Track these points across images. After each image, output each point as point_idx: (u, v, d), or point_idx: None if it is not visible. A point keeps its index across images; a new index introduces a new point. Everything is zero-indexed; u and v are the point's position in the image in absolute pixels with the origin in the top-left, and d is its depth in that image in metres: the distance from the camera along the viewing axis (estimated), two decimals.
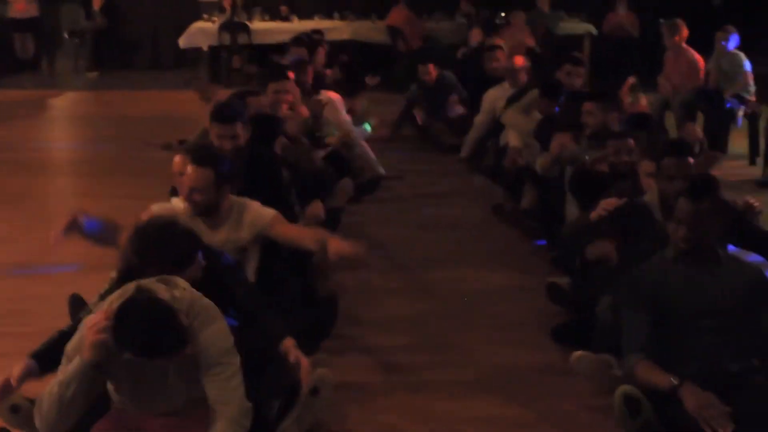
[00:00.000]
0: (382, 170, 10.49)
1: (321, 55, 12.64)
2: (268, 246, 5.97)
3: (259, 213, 5.84)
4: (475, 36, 14.30)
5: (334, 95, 10.39)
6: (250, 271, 5.81)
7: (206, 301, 4.41)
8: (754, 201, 6.22)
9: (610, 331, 5.53)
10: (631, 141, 7.09)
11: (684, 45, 12.10)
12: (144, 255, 4.63)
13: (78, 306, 5.61)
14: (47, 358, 4.73)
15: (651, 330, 5.13)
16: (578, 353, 5.63)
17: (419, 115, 12.89)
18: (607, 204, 6.22)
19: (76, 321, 4.83)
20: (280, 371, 4.98)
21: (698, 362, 5.05)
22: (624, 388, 4.92)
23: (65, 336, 4.60)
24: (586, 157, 7.57)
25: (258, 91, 8.48)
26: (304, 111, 9.25)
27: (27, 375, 4.71)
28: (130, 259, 4.74)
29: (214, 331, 4.36)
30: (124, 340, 4.07)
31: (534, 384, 5.91)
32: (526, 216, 8.57)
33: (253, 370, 4.51)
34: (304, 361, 4.84)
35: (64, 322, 5.11)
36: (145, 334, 4.04)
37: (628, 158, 7.07)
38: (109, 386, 4.45)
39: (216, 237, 5.62)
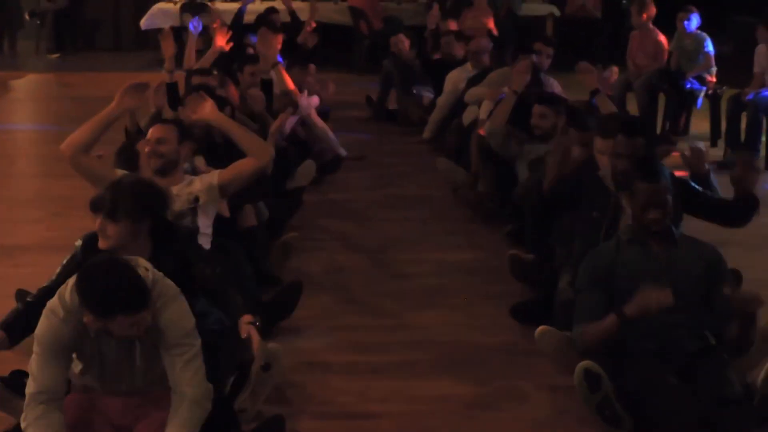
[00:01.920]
0: (343, 151, 10.47)
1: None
2: (222, 229, 6.19)
3: (207, 172, 6.17)
4: (433, 18, 14.22)
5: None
6: (206, 224, 6.02)
7: (168, 281, 4.41)
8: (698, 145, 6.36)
9: (571, 308, 5.56)
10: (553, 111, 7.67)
11: (651, 25, 12.10)
12: (116, 196, 4.73)
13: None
14: (16, 329, 4.79)
15: (604, 309, 5.17)
16: (542, 328, 5.63)
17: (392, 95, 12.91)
18: None
19: (41, 292, 4.86)
20: (233, 348, 5.01)
21: (656, 341, 5.09)
22: (585, 363, 4.96)
23: (32, 307, 4.69)
24: None
25: (210, 70, 8.50)
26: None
27: None
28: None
29: (176, 312, 4.36)
30: (85, 295, 4.10)
31: (493, 363, 5.93)
32: (482, 197, 8.58)
33: (207, 347, 4.50)
34: (256, 337, 4.87)
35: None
36: (106, 289, 4.08)
37: (547, 124, 7.75)
38: (73, 370, 4.44)
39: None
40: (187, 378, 4.33)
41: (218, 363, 4.75)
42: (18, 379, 4.91)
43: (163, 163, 5.91)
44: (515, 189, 7.57)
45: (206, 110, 6.04)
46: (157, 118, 7.48)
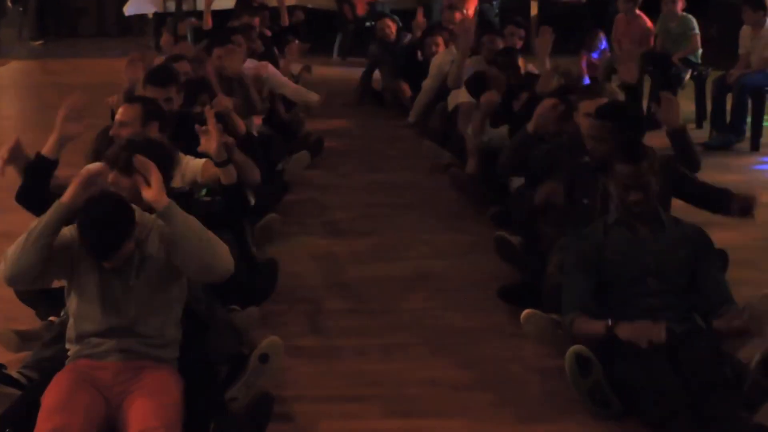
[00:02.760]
0: (314, 96, 10.43)
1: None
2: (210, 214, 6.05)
3: (189, 161, 6.00)
4: (419, 26, 14.06)
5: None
6: None
7: None
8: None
9: (558, 290, 5.56)
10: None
11: (637, 10, 12.08)
12: (130, 152, 4.79)
13: None
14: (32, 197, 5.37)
15: (591, 291, 5.18)
16: (528, 311, 5.65)
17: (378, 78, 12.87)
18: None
19: None
20: (223, 335, 5.01)
21: None
22: (576, 347, 4.97)
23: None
24: None
25: (183, 56, 8.45)
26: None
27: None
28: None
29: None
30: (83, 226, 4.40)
31: (481, 346, 5.92)
32: (470, 180, 8.57)
33: (196, 335, 4.50)
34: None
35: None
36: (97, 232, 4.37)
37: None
38: (72, 310, 4.58)
39: None
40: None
41: (208, 348, 4.75)
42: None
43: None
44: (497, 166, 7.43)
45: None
46: (128, 96, 7.04)
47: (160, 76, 6.87)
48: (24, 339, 5.51)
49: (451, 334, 6.11)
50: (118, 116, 5.87)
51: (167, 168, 4.94)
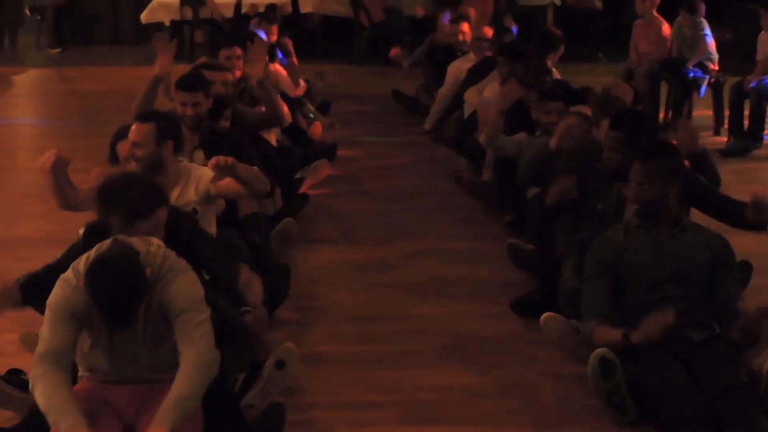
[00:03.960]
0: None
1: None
2: (223, 217, 6.17)
3: (202, 172, 5.91)
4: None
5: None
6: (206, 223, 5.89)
7: (179, 258, 4.49)
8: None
9: (575, 295, 5.55)
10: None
11: (655, 13, 12.07)
12: (108, 198, 4.70)
13: None
14: (30, 290, 4.91)
15: (611, 296, 5.18)
16: (548, 314, 5.65)
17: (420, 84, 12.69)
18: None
19: (63, 257, 4.95)
20: (241, 343, 5.01)
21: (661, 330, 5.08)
22: (601, 350, 4.96)
23: (51, 271, 4.80)
24: None
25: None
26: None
27: (9, 301, 4.95)
28: (96, 208, 4.80)
29: (186, 281, 4.43)
30: (94, 295, 4.20)
31: (497, 353, 5.92)
32: (486, 187, 8.57)
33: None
34: (257, 282, 5.04)
35: None
36: (112, 298, 4.17)
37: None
38: (82, 346, 4.48)
39: None
40: (195, 339, 4.34)
41: (224, 355, 4.76)
42: (15, 375, 4.92)
43: (143, 167, 5.58)
44: (517, 174, 7.45)
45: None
46: (141, 114, 7.09)
47: (188, 81, 6.84)
48: None
49: (466, 340, 6.10)
50: (130, 135, 5.70)
51: (152, 207, 4.70)
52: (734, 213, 5.98)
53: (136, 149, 5.64)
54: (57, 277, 4.44)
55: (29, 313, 5.76)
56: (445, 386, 5.49)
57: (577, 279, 5.63)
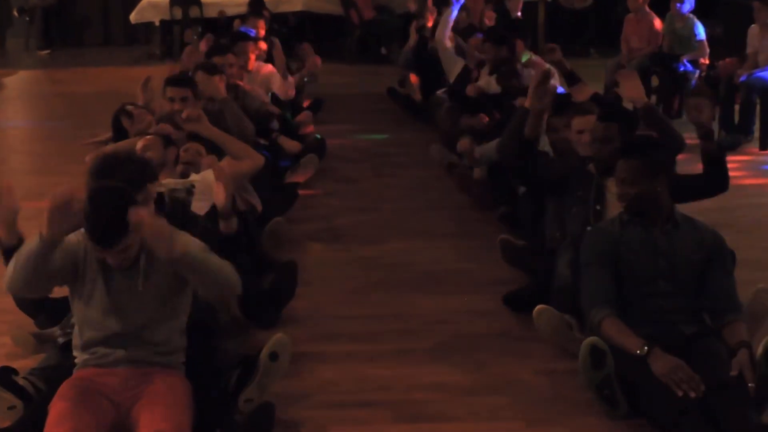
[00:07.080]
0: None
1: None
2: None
3: (213, 184, 6.08)
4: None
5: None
6: (199, 207, 6.18)
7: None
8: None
9: (569, 290, 5.54)
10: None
11: (647, 8, 12.07)
12: (100, 173, 4.91)
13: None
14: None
15: (614, 285, 5.15)
16: (541, 307, 5.63)
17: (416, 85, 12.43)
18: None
19: None
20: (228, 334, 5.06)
21: (653, 324, 5.08)
22: (592, 339, 4.94)
23: None
24: None
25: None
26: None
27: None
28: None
29: (188, 236, 4.51)
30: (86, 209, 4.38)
31: (489, 349, 5.91)
32: (477, 184, 8.57)
33: (205, 342, 4.50)
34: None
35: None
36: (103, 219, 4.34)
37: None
38: (76, 311, 4.59)
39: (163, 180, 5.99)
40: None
41: (218, 350, 4.77)
42: (6, 375, 4.89)
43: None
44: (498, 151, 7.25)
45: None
46: (166, 119, 7.39)
47: (177, 78, 7.81)
48: (41, 341, 5.54)
49: (459, 338, 6.09)
50: (142, 142, 6.42)
51: (143, 182, 4.96)
52: (698, 183, 6.05)
53: (146, 152, 6.30)
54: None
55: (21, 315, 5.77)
56: (438, 384, 5.47)
57: (571, 275, 5.62)
